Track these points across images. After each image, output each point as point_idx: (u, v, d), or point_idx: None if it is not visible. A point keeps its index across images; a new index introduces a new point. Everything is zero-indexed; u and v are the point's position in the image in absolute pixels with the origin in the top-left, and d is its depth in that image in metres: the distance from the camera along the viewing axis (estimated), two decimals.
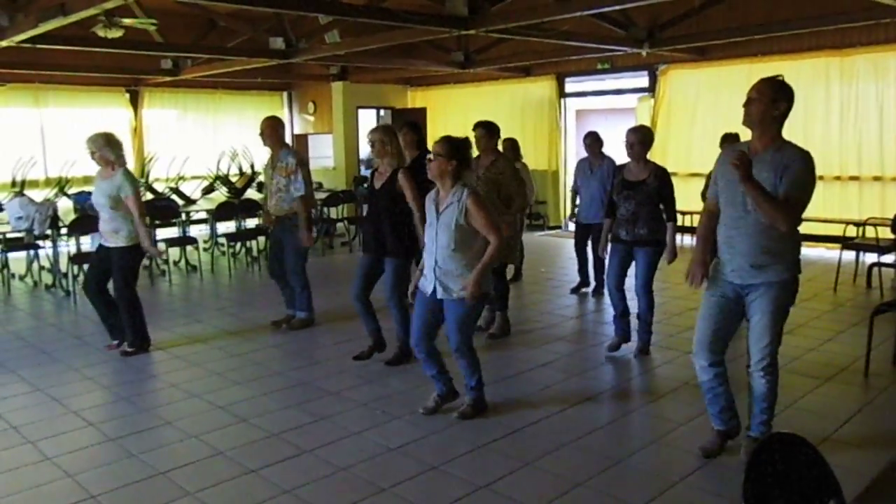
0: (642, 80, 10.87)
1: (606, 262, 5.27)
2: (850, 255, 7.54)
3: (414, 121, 7.12)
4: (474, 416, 4.06)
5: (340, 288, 7.63)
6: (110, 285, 5.40)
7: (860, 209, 8.78)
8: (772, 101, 3.14)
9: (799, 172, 3.11)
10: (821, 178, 9.35)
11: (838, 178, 9.05)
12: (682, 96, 10.37)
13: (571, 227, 11.89)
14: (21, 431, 4.03)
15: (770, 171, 3.12)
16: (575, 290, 7.27)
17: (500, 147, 5.83)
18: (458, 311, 3.86)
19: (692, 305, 6.42)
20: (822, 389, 4.48)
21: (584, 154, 7.26)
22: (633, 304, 5.19)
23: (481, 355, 4.15)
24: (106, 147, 5.13)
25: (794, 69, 8.93)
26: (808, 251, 8.49)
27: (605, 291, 5.56)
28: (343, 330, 5.98)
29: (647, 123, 10.58)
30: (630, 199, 4.90)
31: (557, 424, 4.04)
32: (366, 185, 12.17)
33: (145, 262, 8.48)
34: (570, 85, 11.79)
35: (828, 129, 9.08)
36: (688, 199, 9.46)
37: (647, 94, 10.81)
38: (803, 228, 3.32)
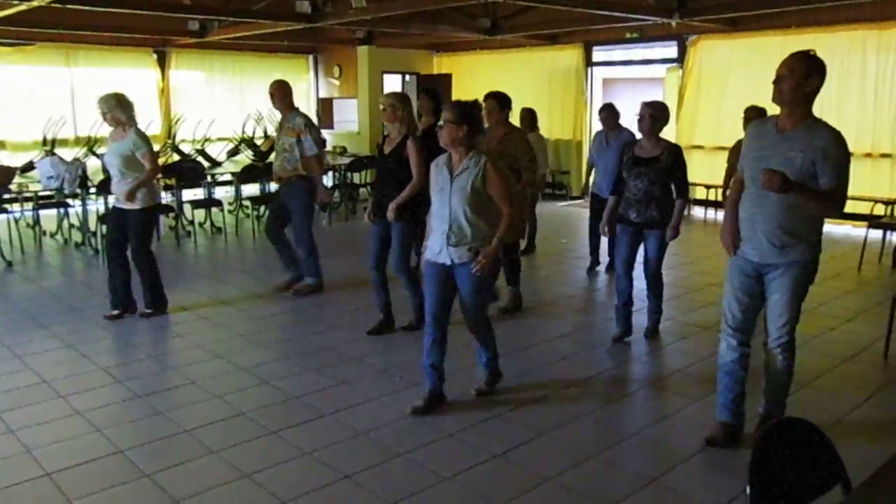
0: (671, 50, 10.68)
1: (608, 241, 5.06)
2: (876, 234, 7.44)
3: (433, 87, 7.01)
4: (493, 392, 4.07)
5: (362, 253, 7.70)
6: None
7: (892, 187, 8.65)
8: (803, 77, 3.03)
9: (839, 159, 3.04)
10: (851, 154, 9.33)
11: (869, 154, 8.89)
12: (712, 68, 10.19)
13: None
14: (53, 386, 4.18)
15: (800, 150, 3.05)
16: (590, 270, 7.03)
17: (511, 118, 5.67)
18: (474, 277, 3.74)
19: (713, 281, 6.41)
20: (840, 370, 4.48)
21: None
22: (640, 288, 5.10)
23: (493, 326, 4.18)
24: (118, 108, 5.09)
25: (829, 41, 8.75)
26: (833, 228, 8.40)
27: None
28: (365, 295, 6.05)
29: (676, 94, 10.46)
30: (641, 178, 4.70)
31: (569, 397, 4.10)
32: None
33: (171, 222, 8.65)
34: (598, 54, 11.62)
35: (862, 104, 8.90)
36: (713, 172, 9.39)
37: (675, 64, 10.63)
38: None
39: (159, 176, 8.30)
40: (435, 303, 3.82)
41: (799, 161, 3.04)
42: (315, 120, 13.64)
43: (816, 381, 4.26)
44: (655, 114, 4.72)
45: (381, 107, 4.91)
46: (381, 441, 3.52)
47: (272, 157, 7.80)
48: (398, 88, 13.84)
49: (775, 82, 3.10)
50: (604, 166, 6.75)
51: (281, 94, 5.84)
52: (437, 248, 3.77)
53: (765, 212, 3.19)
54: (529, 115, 7.69)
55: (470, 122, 3.67)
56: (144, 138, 5.19)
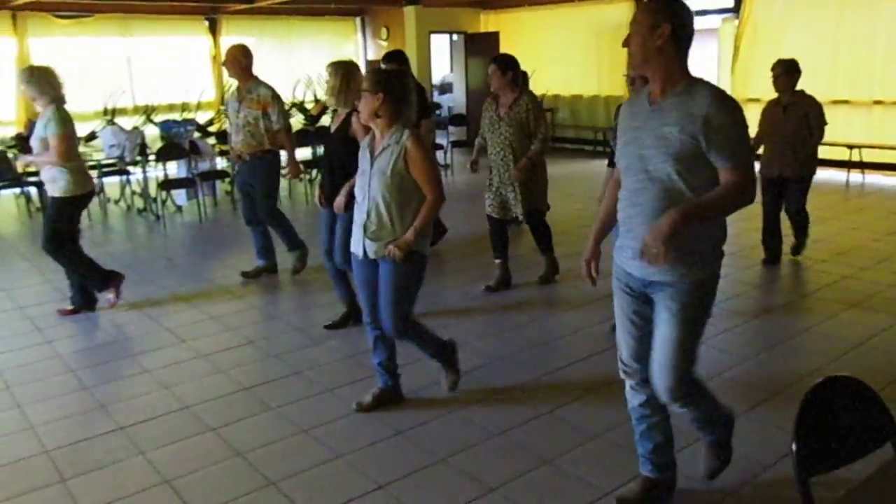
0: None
1: None
2: None
3: (398, 50, 6.11)
4: (456, 386, 3.62)
5: None
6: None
7: None
8: (650, 27, 2.27)
9: (730, 128, 2.22)
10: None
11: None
12: (770, 18, 9.81)
13: None
14: (122, 345, 4.46)
15: (675, 124, 2.25)
16: None
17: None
18: (393, 275, 3.22)
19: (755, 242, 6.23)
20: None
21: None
22: None
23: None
24: (28, 83, 4.52)
25: None
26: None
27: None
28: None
29: (731, 46, 10.14)
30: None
31: (540, 391, 3.69)
32: (437, 113, 12.15)
33: (227, 187, 8.87)
34: None
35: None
36: None
37: (731, 14, 10.28)
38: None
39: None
40: (367, 297, 3.41)
41: (676, 138, 2.26)
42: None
43: (871, 341, 4.18)
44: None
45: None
46: (322, 440, 3.25)
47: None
48: (446, 48, 13.74)
49: (624, 44, 2.37)
50: None
51: (234, 60, 5.32)
52: (357, 237, 3.32)
53: (643, 210, 2.36)
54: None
55: (387, 90, 3.10)
56: (59, 120, 4.52)
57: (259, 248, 5.75)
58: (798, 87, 5.35)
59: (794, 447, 1.76)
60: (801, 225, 5.67)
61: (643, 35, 2.29)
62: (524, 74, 7.08)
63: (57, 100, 4.56)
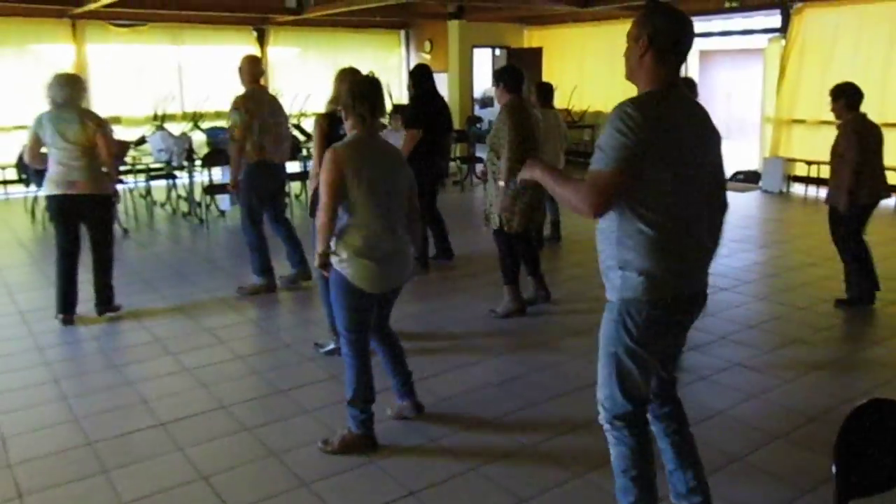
0: (774, 19, 10.19)
1: None
2: None
3: (419, 64, 6.13)
4: (343, 452, 3.19)
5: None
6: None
7: None
8: (634, 40, 2.25)
9: (603, 137, 2.18)
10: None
11: None
12: (818, 38, 9.67)
13: None
14: (164, 344, 4.54)
15: None
16: None
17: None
18: (331, 288, 3.21)
19: (808, 261, 6.13)
20: None
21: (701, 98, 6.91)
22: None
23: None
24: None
25: None
26: None
27: None
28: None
29: (776, 66, 10.02)
30: None
31: (574, 406, 3.55)
32: (478, 126, 12.23)
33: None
34: (695, 24, 11.17)
35: None
36: (814, 147, 9.00)
37: (778, 34, 10.15)
38: None
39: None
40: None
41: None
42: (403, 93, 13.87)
43: None
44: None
45: None
46: (291, 465, 3.12)
47: None
48: (489, 62, 13.83)
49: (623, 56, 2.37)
50: None
51: (239, 68, 5.41)
52: None
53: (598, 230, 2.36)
54: (539, 90, 6.66)
55: (348, 105, 3.06)
56: (34, 122, 4.67)
57: (289, 254, 5.71)
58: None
59: (834, 470, 1.74)
60: (850, 265, 5.08)
61: (630, 47, 2.29)
62: (548, 88, 7.05)
63: (53, 104, 4.64)
